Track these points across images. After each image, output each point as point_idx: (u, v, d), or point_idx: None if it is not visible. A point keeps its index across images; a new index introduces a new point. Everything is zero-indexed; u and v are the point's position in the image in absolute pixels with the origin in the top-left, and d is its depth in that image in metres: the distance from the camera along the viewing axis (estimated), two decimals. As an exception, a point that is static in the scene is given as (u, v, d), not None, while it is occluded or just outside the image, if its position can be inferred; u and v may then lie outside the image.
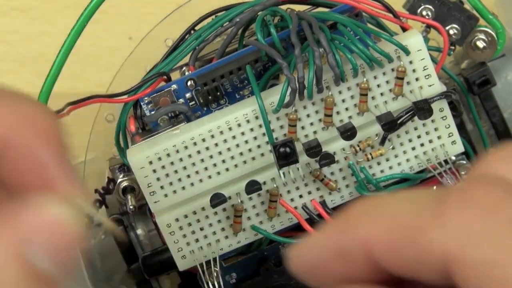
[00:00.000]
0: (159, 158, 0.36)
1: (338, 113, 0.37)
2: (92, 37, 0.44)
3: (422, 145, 0.38)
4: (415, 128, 0.38)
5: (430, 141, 0.38)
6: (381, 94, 0.37)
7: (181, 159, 0.37)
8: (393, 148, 0.38)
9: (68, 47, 0.38)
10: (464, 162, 0.41)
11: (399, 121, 0.36)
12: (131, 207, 0.40)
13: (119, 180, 0.41)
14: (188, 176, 0.37)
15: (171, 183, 0.37)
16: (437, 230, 0.21)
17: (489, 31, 0.41)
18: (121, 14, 0.52)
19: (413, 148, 0.38)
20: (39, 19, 0.51)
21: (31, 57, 0.51)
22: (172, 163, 0.37)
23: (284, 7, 0.40)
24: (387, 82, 0.37)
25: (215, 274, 0.38)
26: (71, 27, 0.38)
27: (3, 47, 0.51)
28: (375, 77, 0.37)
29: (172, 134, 0.37)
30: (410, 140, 0.38)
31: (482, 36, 0.41)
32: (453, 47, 0.41)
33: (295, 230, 0.39)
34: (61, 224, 0.26)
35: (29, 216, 0.25)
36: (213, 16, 0.40)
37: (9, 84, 0.51)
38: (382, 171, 0.38)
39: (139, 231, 0.42)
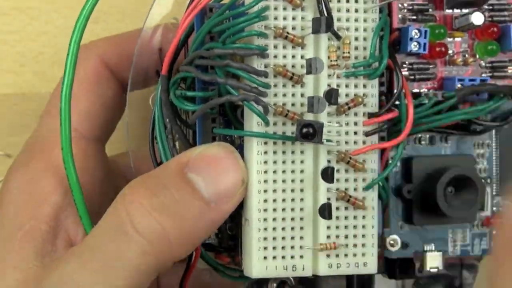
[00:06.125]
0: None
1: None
2: (92, 37, 0.45)
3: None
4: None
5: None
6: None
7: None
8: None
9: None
10: None
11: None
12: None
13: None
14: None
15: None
16: None
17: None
18: (121, 13, 0.52)
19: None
20: (38, 19, 0.51)
21: (31, 57, 0.51)
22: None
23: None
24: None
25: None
26: (71, 27, 0.39)
27: (3, 47, 0.51)
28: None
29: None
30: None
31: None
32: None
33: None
34: (220, 162, 0.36)
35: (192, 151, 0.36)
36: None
37: (9, 83, 0.50)
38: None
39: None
